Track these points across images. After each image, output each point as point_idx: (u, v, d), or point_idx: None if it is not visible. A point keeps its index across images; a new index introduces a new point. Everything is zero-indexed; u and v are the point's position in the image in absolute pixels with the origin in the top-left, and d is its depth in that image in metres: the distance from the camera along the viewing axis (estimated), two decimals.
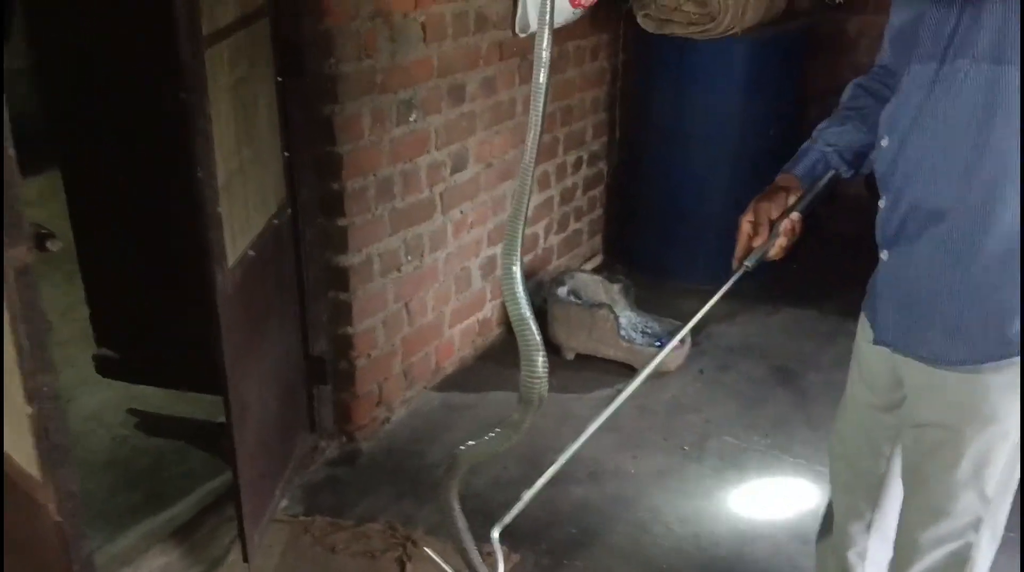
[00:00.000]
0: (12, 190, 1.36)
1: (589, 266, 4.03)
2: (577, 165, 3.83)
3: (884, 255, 1.51)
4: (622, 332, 3.33)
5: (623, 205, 4.14)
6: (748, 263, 1.60)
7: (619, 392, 1.77)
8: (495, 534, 1.53)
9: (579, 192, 3.89)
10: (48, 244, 1.51)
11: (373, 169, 2.68)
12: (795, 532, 2.47)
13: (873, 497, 1.76)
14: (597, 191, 4.03)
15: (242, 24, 2.15)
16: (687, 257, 3.87)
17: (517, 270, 1.18)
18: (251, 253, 2.21)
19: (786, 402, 3.08)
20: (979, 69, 1.29)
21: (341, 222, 2.62)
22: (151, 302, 2.80)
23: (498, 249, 3.40)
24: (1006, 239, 1.33)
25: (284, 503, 2.57)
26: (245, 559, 2.30)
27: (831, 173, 1.61)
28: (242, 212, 2.19)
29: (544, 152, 3.56)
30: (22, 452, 1.48)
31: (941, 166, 1.37)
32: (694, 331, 3.37)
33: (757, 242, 1.59)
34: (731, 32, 3.53)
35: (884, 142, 1.46)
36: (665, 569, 2.37)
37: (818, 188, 1.60)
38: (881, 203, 1.49)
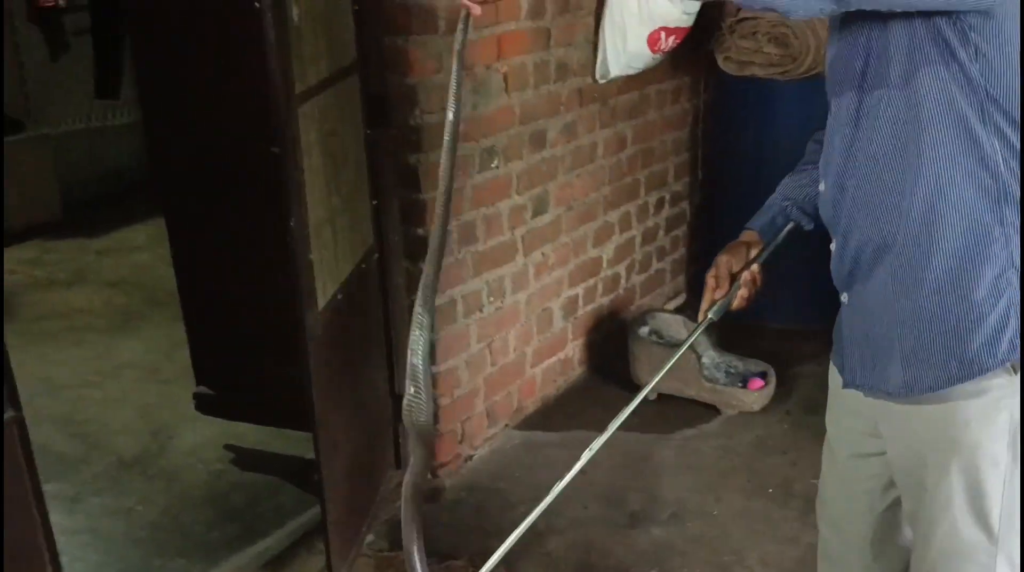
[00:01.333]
0: None
1: (672, 306, 4.04)
2: (659, 206, 3.86)
3: (844, 298, 1.50)
4: (705, 372, 3.33)
5: (706, 245, 4.14)
6: (712, 314, 1.71)
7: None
8: None
9: (661, 232, 3.92)
10: None
11: (456, 214, 2.77)
12: None
13: (871, 544, 1.66)
14: (680, 231, 4.05)
15: (332, 81, 2.28)
16: (771, 297, 3.84)
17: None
18: (339, 296, 2.31)
19: None
20: (896, 97, 1.31)
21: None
22: (248, 342, 2.94)
23: (579, 290, 3.46)
24: (951, 260, 1.32)
25: (370, 538, 2.64)
26: None
27: (790, 225, 1.70)
28: (332, 257, 2.30)
29: (625, 193, 3.61)
30: None
31: (878, 200, 1.37)
32: (781, 371, 3.38)
33: (719, 294, 1.70)
34: (814, 72, 3.53)
35: (822, 187, 1.48)
36: None
37: (777, 241, 1.72)
38: (832, 246, 1.50)
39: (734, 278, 1.69)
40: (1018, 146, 1.29)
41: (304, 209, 2.06)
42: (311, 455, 2.36)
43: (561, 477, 1.63)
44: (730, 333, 3.57)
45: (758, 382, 3.28)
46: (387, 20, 2.50)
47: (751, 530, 2.66)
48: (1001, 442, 1.37)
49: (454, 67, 1.44)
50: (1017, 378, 1.34)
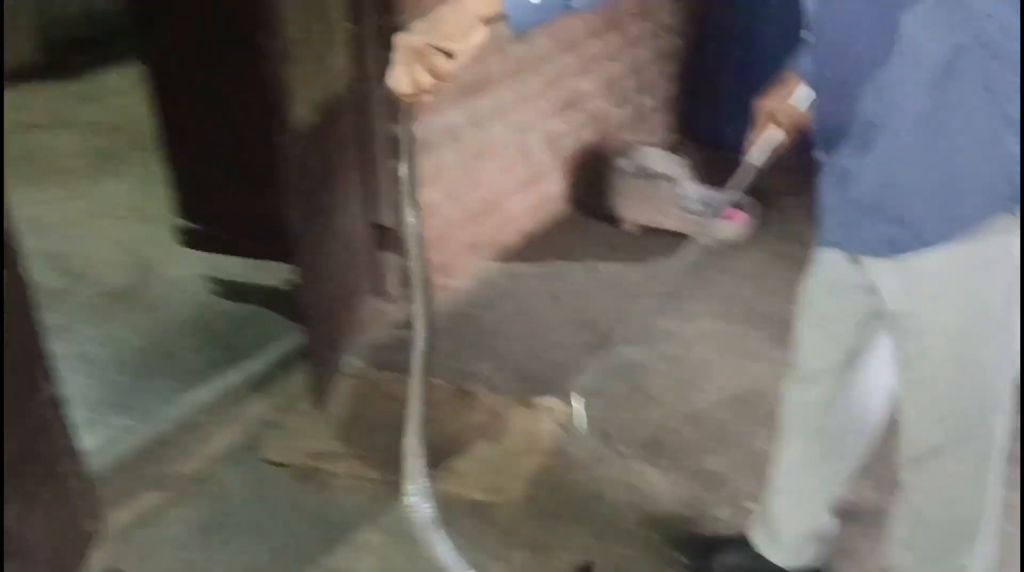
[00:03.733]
0: None
1: (659, 142, 4.02)
2: (648, 37, 3.77)
3: (823, 157, 1.47)
4: (684, 203, 3.34)
5: (695, 80, 4.09)
6: (756, 160, 1.73)
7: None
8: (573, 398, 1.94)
9: (651, 67, 3.85)
10: None
11: None
12: None
13: (837, 374, 1.68)
14: (670, 67, 3.98)
15: None
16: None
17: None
18: (315, 118, 2.30)
19: None
20: None
21: None
22: (228, 177, 2.94)
23: (563, 121, 3.43)
24: (917, 114, 1.28)
25: (353, 361, 2.72)
26: (316, 407, 2.48)
27: None
28: (307, 79, 2.27)
29: (612, 22, 3.52)
30: None
31: (849, 48, 1.33)
32: (760, 202, 3.40)
33: (760, 137, 1.72)
34: None
35: (810, 38, 1.43)
36: (713, 421, 2.46)
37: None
38: (815, 105, 1.48)
39: (775, 119, 1.71)
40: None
41: (278, 26, 2.02)
42: (290, 286, 2.41)
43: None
44: (710, 166, 3.58)
45: (735, 212, 3.30)
46: None
47: (719, 349, 2.74)
48: (996, 291, 1.38)
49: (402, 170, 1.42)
50: (1013, 220, 1.32)
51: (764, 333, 2.81)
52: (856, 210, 1.42)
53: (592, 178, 3.58)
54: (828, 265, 1.63)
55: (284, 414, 2.51)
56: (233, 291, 3.08)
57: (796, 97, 1.69)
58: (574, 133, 3.53)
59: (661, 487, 2.25)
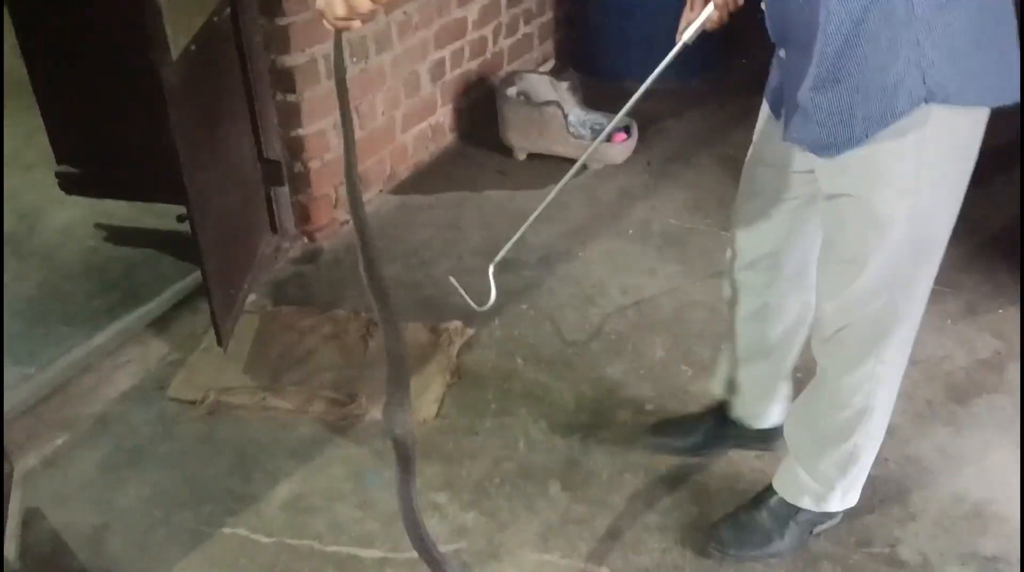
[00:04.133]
0: None
1: (541, 70, 4.07)
2: None
3: (781, 54, 1.57)
4: (571, 129, 3.42)
5: (573, 6, 4.14)
6: (687, 37, 1.74)
7: (567, 186, 2.01)
8: (491, 269, 2.04)
9: None
10: None
11: None
12: None
13: (775, 255, 1.81)
14: None
15: None
16: (638, 55, 3.90)
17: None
18: (193, 48, 2.26)
19: (729, 185, 3.18)
20: None
21: (281, 21, 2.66)
22: (106, 116, 2.86)
23: (446, 52, 3.44)
24: (846, 23, 1.36)
25: (252, 297, 2.72)
26: (219, 343, 2.47)
27: None
28: (181, 7, 2.22)
29: None
30: None
31: None
32: (643, 126, 3.51)
33: (693, 15, 1.72)
34: None
35: None
36: (608, 331, 2.57)
37: None
38: (763, 6, 1.55)
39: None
40: None
41: None
42: (183, 227, 2.38)
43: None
44: (596, 92, 3.66)
45: (621, 136, 3.40)
46: None
47: (613, 266, 2.85)
48: (910, 173, 1.46)
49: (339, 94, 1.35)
50: (932, 109, 1.39)
51: (653, 248, 2.93)
52: (797, 108, 1.51)
53: (481, 110, 3.62)
54: (770, 145, 1.73)
55: (187, 353, 2.51)
56: (124, 236, 3.02)
57: None
58: (459, 64, 3.55)
59: (565, 397, 2.35)
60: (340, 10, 1.21)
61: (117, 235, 3.04)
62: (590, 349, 2.52)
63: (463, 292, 2.19)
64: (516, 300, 2.70)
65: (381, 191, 3.28)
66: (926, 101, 1.38)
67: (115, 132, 2.86)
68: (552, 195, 2.04)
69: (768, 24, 1.56)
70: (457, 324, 2.58)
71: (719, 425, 2.15)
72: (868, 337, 1.65)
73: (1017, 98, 1.42)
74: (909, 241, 1.54)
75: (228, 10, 2.51)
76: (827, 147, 1.49)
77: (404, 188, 3.35)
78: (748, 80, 3.97)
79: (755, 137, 1.80)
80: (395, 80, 3.20)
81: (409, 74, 3.27)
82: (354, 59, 2.97)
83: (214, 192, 2.45)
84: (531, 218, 2.10)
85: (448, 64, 3.48)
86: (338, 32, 1.29)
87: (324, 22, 1.26)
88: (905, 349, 1.70)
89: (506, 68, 3.85)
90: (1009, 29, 1.42)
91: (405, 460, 1.42)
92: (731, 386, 2.09)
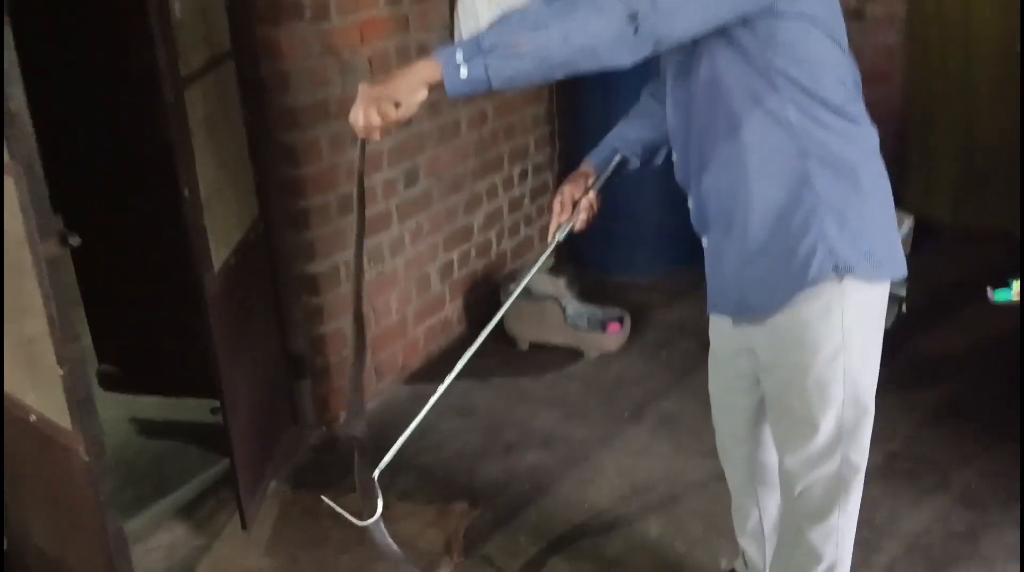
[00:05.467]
0: (42, 198, 1.71)
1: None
2: (523, 176, 4.22)
3: (704, 242, 1.84)
4: (569, 321, 3.71)
5: None
6: (559, 236, 1.98)
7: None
8: (375, 475, 1.79)
9: (527, 201, 4.28)
10: (70, 240, 1.86)
11: (334, 187, 3.06)
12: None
13: (748, 427, 2.03)
14: (543, 199, 4.42)
15: (213, 65, 2.53)
16: (627, 253, 4.28)
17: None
18: (232, 261, 2.57)
19: None
20: (709, 86, 1.64)
21: (307, 235, 2.99)
22: (147, 321, 3.16)
23: (454, 254, 3.79)
24: (770, 204, 1.65)
25: (273, 484, 2.91)
26: (244, 527, 2.65)
27: (617, 157, 1.97)
28: (222, 226, 2.56)
29: (491, 166, 3.95)
30: (53, 407, 1.84)
31: (711, 162, 1.71)
32: (634, 317, 3.79)
33: (564, 218, 1.97)
34: None
35: (675, 157, 1.82)
36: (606, 511, 2.74)
37: (608, 171, 1.97)
38: (690, 203, 1.83)
39: (575, 204, 1.96)
40: (819, 112, 1.61)
41: (195, 179, 2.31)
42: (213, 419, 2.60)
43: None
44: (591, 287, 3.98)
45: (615, 326, 3.68)
46: (257, 10, 2.77)
47: (610, 448, 3.05)
48: (837, 337, 1.70)
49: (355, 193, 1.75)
50: (845, 283, 1.65)
51: (647, 429, 3.14)
52: (723, 282, 1.79)
53: (486, 305, 3.92)
54: (719, 334, 1.98)
55: (212, 539, 2.67)
56: (155, 430, 3.24)
57: (592, 184, 1.98)
58: (466, 264, 3.88)
59: None
60: (361, 123, 1.53)
61: (148, 429, 3.27)
62: (589, 527, 2.68)
63: (341, 510, 1.84)
64: (519, 482, 2.88)
65: (394, 382, 3.53)
66: (835, 270, 1.64)
67: (154, 335, 3.15)
68: (437, 395, 1.90)
69: (692, 218, 1.82)
70: (463, 505, 2.76)
71: None
72: (832, 492, 1.84)
73: (905, 273, 1.71)
74: (850, 398, 1.76)
75: (262, 226, 2.85)
76: (754, 310, 1.74)
77: (415, 379, 3.59)
78: None
79: (710, 325, 2.05)
80: (407, 281, 3.51)
81: (420, 275, 3.59)
82: (371, 263, 3.29)
83: (245, 387, 2.71)
84: (419, 416, 1.88)
85: (456, 265, 3.82)
86: (362, 140, 1.61)
87: (352, 130, 1.58)
88: (858, 499, 1.89)
89: (509, 266, 4.19)
90: (892, 210, 1.74)
91: (363, 451, 1.81)
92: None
